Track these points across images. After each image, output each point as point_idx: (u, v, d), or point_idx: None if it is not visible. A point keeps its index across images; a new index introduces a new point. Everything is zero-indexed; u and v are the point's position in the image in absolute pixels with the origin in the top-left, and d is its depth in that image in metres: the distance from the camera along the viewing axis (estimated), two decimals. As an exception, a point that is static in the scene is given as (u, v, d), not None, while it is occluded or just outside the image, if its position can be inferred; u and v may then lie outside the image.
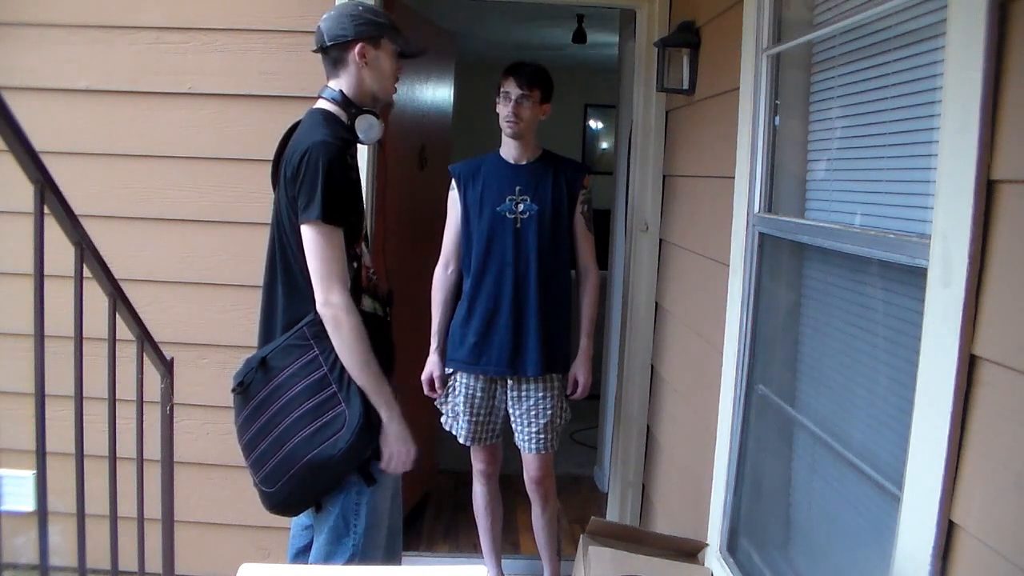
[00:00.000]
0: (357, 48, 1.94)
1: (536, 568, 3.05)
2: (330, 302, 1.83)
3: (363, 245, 1.99)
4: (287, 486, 1.87)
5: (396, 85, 2.07)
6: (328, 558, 1.93)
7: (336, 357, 1.85)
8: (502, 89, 2.67)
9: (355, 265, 1.92)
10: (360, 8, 1.99)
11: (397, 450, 1.92)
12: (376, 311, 2.00)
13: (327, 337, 1.85)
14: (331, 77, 2.00)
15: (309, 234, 1.83)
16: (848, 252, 1.62)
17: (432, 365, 2.79)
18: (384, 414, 1.88)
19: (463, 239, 2.76)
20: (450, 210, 2.81)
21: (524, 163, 2.74)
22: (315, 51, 2.01)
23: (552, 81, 2.72)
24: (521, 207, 2.69)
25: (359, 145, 2.09)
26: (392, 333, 2.07)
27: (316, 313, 1.86)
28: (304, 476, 1.85)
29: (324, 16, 1.99)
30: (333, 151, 1.84)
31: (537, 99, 2.67)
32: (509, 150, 2.75)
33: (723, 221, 2.24)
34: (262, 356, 1.91)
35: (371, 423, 1.85)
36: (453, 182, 2.79)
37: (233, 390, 1.94)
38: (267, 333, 1.98)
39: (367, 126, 1.97)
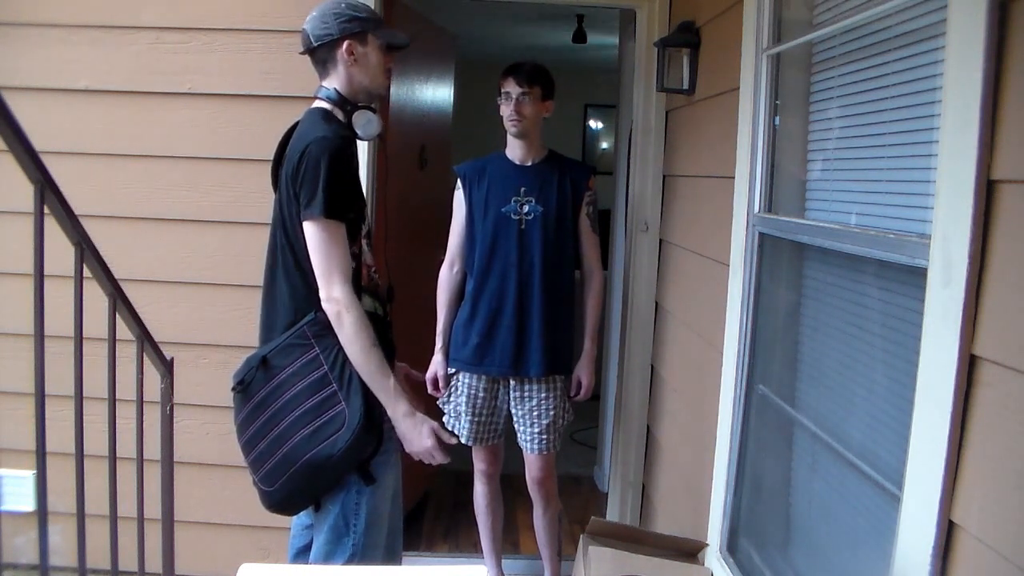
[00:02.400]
0: (344, 46, 1.94)
1: (536, 568, 3.05)
2: (333, 297, 1.83)
3: (364, 243, 1.99)
4: (286, 485, 1.87)
5: (389, 78, 2.06)
6: (328, 557, 1.93)
7: (337, 356, 1.85)
8: (502, 90, 2.68)
9: (354, 264, 1.92)
10: (343, 5, 1.96)
11: (416, 441, 1.91)
12: (376, 310, 2.00)
13: (328, 336, 1.85)
14: (323, 77, 2.00)
15: (312, 230, 1.84)
16: (848, 252, 1.62)
17: (436, 365, 2.79)
18: (390, 409, 1.89)
19: (467, 239, 2.76)
20: (455, 210, 2.81)
21: (529, 164, 2.74)
22: (302, 53, 2.00)
23: (552, 78, 2.72)
24: (526, 208, 2.69)
25: (359, 143, 2.09)
26: (392, 332, 2.08)
27: (317, 312, 1.86)
28: (303, 475, 1.85)
29: (308, 17, 1.96)
30: (334, 147, 1.84)
31: (538, 96, 2.67)
32: (514, 150, 2.75)
33: (723, 221, 2.24)
34: (263, 355, 1.91)
35: (371, 422, 1.85)
36: (458, 182, 2.79)
37: (233, 389, 1.94)
38: (268, 332, 1.98)
39: (365, 121, 1.98)
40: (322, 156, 1.81)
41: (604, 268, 2.90)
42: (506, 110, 2.67)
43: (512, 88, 2.65)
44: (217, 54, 2.85)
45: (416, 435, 1.91)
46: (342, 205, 1.85)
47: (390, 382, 1.89)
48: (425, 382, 2.79)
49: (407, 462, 2.02)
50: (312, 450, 1.83)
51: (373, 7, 2.77)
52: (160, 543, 2.19)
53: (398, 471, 2.02)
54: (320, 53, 1.96)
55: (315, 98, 2.00)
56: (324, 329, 1.85)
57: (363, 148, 2.73)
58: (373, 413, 1.86)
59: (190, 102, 2.87)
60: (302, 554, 2.13)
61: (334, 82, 1.98)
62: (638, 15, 3.08)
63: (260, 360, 1.90)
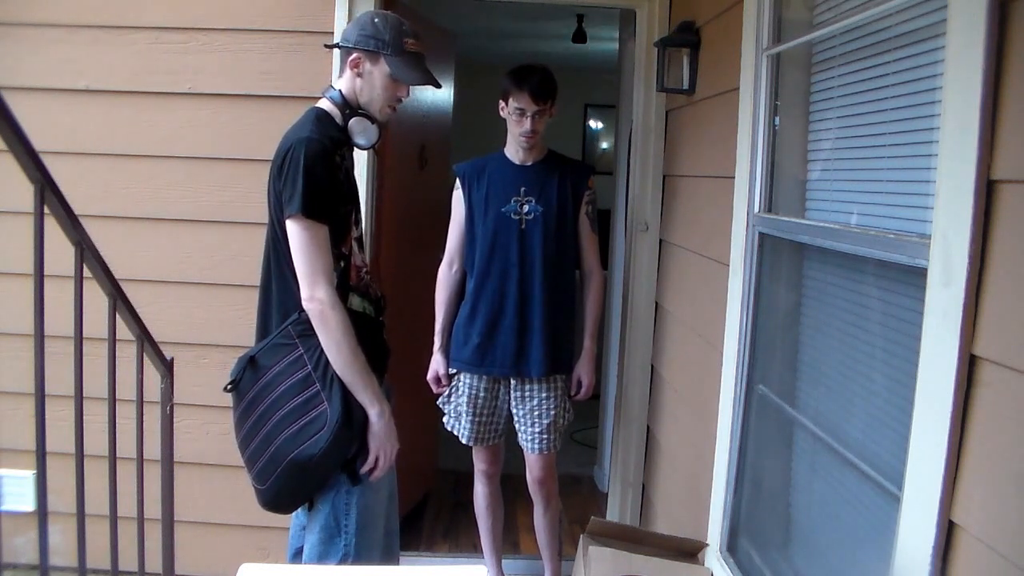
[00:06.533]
0: (352, 57, 1.97)
1: (536, 568, 3.05)
2: (315, 297, 1.83)
3: (354, 244, 1.99)
4: (275, 484, 1.88)
5: (392, 107, 2.03)
6: (320, 558, 1.93)
7: (320, 355, 1.85)
8: (514, 104, 2.61)
9: (342, 264, 1.92)
10: (376, 20, 1.98)
11: (383, 447, 1.91)
12: (367, 311, 1.99)
13: (312, 336, 1.85)
14: (339, 75, 2.04)
15: (292, 229, 1.84)
16: (848, 252, 1.62)
17: (437, 364, 2.79)
18: (372, 411, 1.88)
19: (467, 239, 2.76)
20: (454, 209, 2.80)
21: (529, 164, 2.73)
22: (328, 47, 2.07)
23: (556, 82, 2.69)
24: (526, 208, 2.68)
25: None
26: (384, 334, 2.07)
27: (301, 312, 1.86)
28: (290, 474, 1.85)
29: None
30: (316, 148, 1.84)
31: (549, 108, 2.65)
32: (515, 151, 2.74)
33: (723, 221, 2.24)
34: (251, 354, 1.92)
35: (351, 421, 1.85)
36: (458, 181, 2.79)
37: (225, 388, 1.95)
38: (263, 331, 1.98)
39: (361, 129, 1.97)
40: (303, 156, 1.82)
41: (604, 268, 2.90)
42: (519, 127, 2.63)
43: (528, 106, 2.59)
44: (217, 54, 2.86)
45: (387, 437, 1.92)
46: (323, 205, 1.84)
47: (373, 383, 1.89)
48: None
49: (405, 463, 2.01)
50: (296, 450, 1.83)
51: (373, 7, 2.78)
52: (160, 543, 2.19)
53: (393, 472, 2.02)
54: (341, 52, 2.01)
55: (321, 96, 2.02)
56: (308, 329, 1.86)
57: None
58: (353, 413, 1.85)
59: (190, 102, 2.87)
60: (301, 554, 2.13)
61: (342, 84, 2.00)
62: (638, 15, 3.08)
63: (249, 360, 1.92)
